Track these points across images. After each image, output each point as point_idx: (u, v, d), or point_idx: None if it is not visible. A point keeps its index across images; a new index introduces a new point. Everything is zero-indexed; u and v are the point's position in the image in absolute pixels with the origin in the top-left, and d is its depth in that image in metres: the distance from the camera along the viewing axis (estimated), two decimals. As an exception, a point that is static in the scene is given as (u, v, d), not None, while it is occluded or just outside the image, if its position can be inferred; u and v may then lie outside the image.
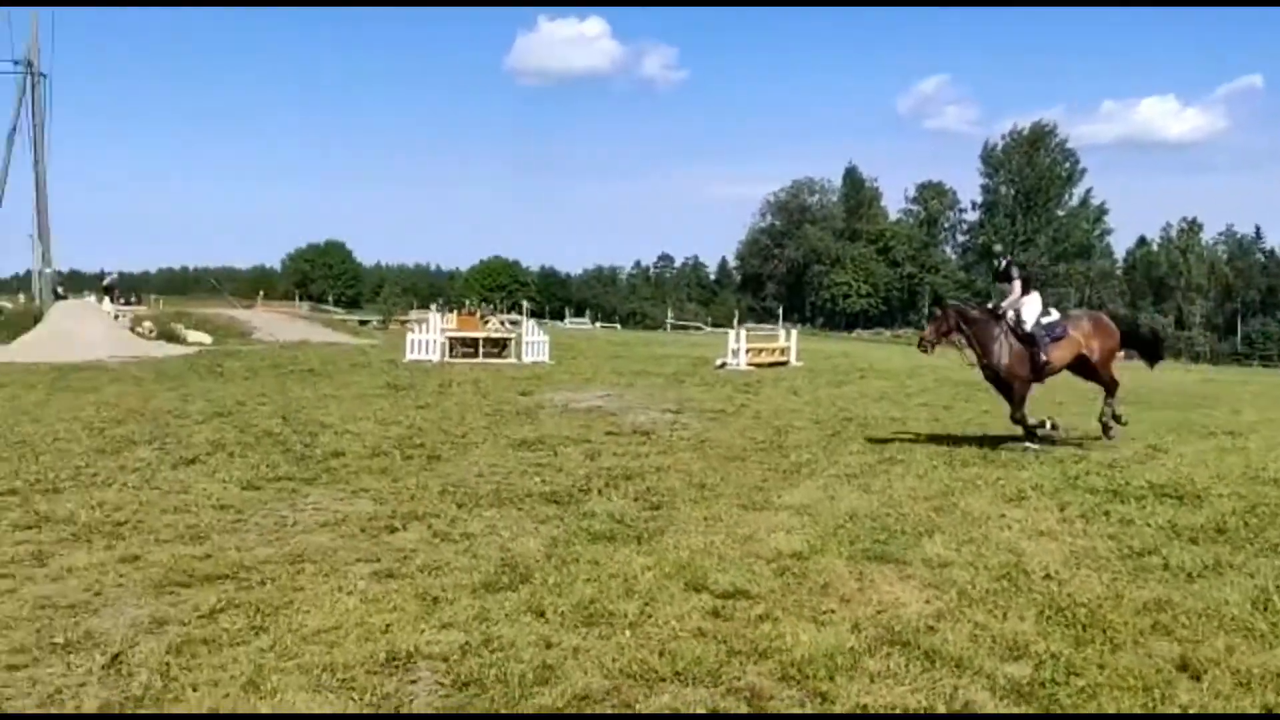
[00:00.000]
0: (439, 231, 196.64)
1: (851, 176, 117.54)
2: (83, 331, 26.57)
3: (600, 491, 8.80)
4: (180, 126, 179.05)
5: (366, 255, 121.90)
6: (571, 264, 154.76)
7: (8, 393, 16.27)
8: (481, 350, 26.65)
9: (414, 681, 4.47)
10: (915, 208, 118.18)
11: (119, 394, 16.38)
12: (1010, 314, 12.02)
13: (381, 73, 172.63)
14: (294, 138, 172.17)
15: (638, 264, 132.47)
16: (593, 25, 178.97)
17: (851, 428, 13.44)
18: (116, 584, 5.91)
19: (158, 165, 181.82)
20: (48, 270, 36.62)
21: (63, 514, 7.60)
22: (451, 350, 26.17)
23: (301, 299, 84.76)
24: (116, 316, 32.30)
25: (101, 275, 45.94)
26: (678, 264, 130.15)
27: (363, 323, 53.30)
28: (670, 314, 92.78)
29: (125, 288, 45.50)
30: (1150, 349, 13.83)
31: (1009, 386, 12.03)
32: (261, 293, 70.18)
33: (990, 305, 12.45)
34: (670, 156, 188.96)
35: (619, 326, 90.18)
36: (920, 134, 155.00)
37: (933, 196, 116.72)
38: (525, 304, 42.60)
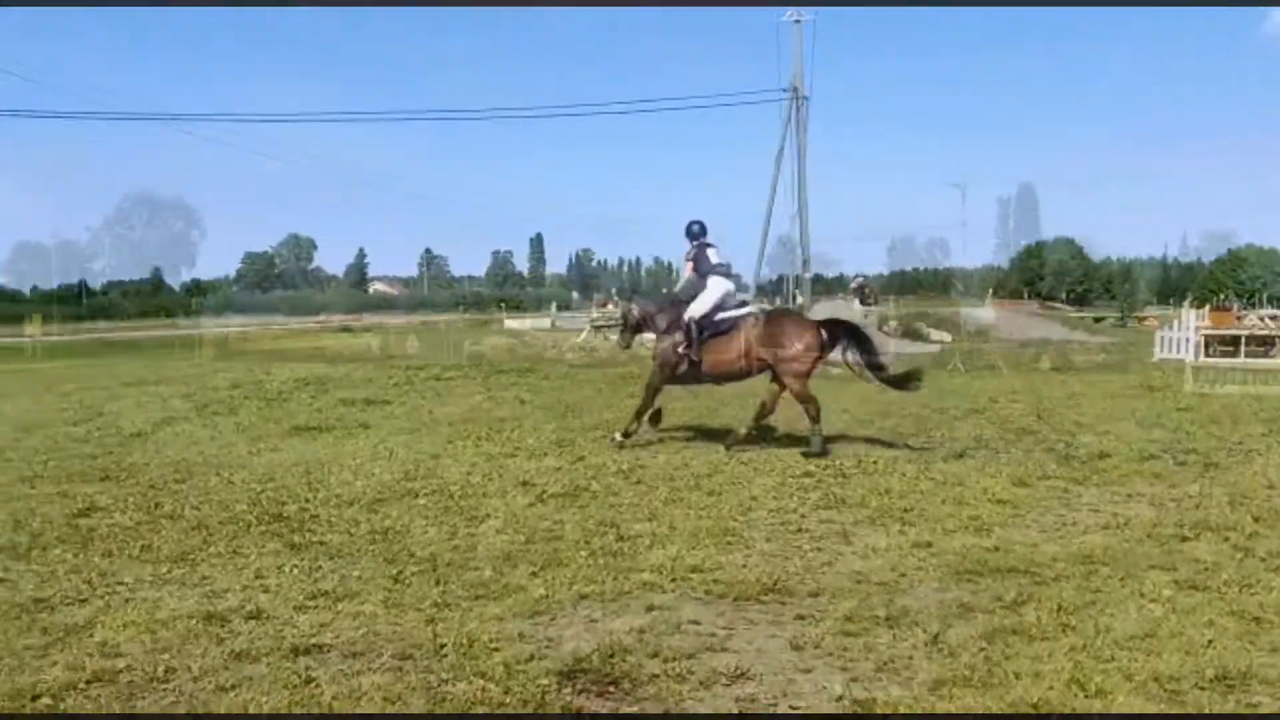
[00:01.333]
0: (1174, 219, 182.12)
1: None
2: (839, 330, 28.77)
3: None
4: (908, 135, 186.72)
5: (1098, 250, 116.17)
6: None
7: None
8: (1243, 349, 24.15)
9: (1253, 706, 4.15)
10: None
11: (867, 391, 17.48)
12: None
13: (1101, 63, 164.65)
14: (1024, 137, 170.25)
15: None
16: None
17: None
18: (916, 567, 6.33)
19: (879, 169, 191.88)
20: (807, 275, 40.55)
21: (854, 498, 8.34)
22: (1207, 349, 24.12)
23: (1030, 296, 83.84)
24: (865, 316, 34.55)
25: (853, 278, 49.59)
26: None
27: (1097, 320, 51.49)
28: None
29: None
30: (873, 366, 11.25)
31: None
32: (991, 290, 70.63)
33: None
34: None
35: None
36: None
37: None
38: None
